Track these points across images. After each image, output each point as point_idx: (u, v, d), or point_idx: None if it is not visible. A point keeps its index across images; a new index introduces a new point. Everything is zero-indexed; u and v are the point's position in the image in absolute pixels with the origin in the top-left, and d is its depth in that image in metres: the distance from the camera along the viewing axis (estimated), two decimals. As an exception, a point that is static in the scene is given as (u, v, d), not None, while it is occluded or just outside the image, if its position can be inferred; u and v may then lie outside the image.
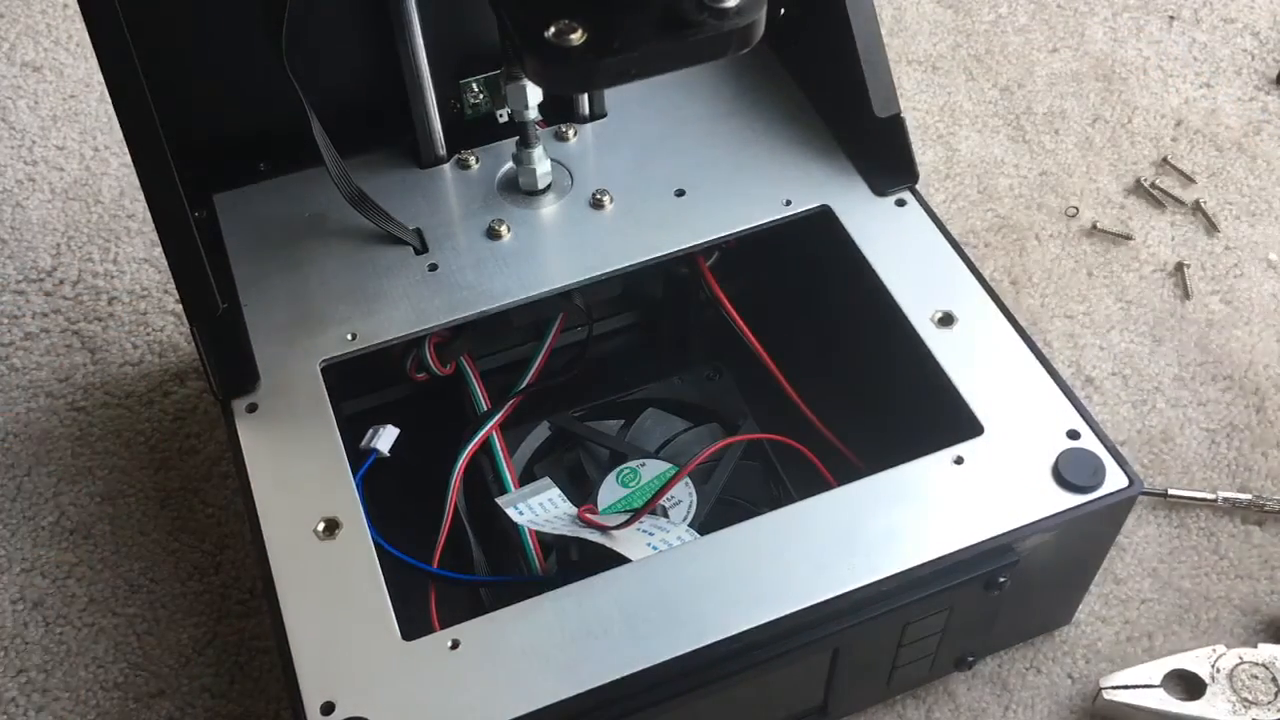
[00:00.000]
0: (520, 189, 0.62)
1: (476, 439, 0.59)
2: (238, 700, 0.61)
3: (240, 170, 0.63)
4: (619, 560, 0.51)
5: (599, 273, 0.59)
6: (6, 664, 0.62)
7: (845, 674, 0.53)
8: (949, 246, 0.60)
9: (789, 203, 0.61)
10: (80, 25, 0.66)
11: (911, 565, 0.49)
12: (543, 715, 0.45)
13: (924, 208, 0.61)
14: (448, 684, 0.46)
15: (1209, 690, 0.58)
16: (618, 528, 0.54)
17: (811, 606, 0.48)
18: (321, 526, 0.50)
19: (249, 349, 0.56)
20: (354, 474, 0.52)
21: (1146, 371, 0.73)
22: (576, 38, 0.44)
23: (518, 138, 0.61)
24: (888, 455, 0.53)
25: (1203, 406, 0.71)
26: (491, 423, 0.60)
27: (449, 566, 0.57)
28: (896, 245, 0.59)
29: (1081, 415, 0.53)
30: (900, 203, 0.61)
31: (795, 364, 0.61)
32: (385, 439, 0.57)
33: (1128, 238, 0.79)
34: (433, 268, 0.59)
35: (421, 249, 0.60)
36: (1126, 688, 0.58)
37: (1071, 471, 0.51)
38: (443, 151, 0.64)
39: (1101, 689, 0.58)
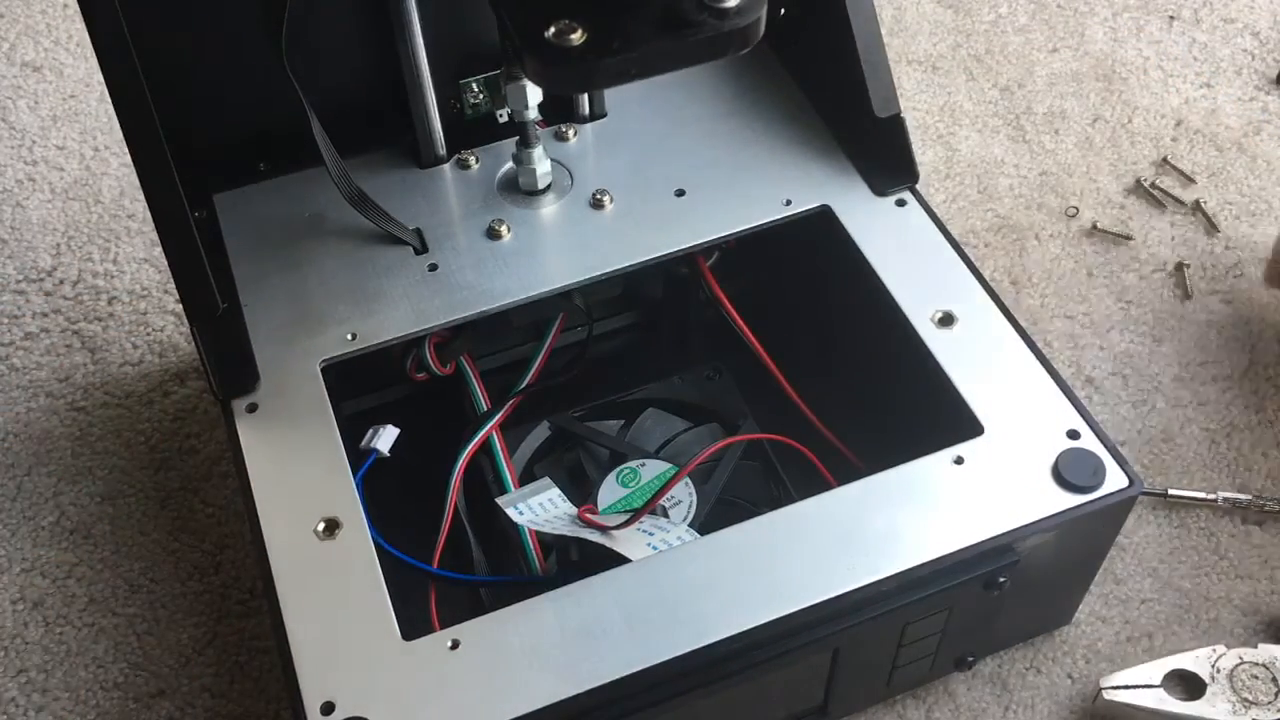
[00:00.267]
0: (520, 189, 0.62)
1: (476, 439, 0.59)
2: (238, 700, 0.61)
3: (240, 170, 0.63)
4: (619, 560, 0.51)
5: (599, 273, 0.59)
6: (7, 664, 0.62)
7: (845, 674, 0.53)
8: (949, 246, 0.60)
9: (789, 203, 0.61)
10: (80, 25, 0.66)
11: (911, 565, 0.49)
12: (543, 715, 0.45)
13: (924, 208, 0.61)
14: (448, 684, 0.46)
15: (1209, 690, 0.58)
16: (618, 528, 0.54)
17: (811, 606, 0.48)
18: (322, 526, 0.50)
19: (249, 349, 0.56)
20: (354, 474, 0.52)
21: (1146, 371, 0.73)
22: (576, 38, 0.44)
23: (518, 138, 0.61)
24: (888, 455, 0.53)
25: (1203, 406, 0.71)
26: (491, 423, 0.60)
27: (449, 566, 0.57)
28: (897, 245, 0.59)
29: (1081, 415, 0.53)
30: (900, 203, 0.61)
31: (795, 364, 0.61)
32: (385, 439, 0.57)
33: (1128, 238, 0.79)
34: (433, 268, 0.59)
35: (421, 249, 0.60)
36: (1126, 688, 0.58)
37: (1071, 471, 0.51)
38: (443, 151, 0.64)
39: (1101, 689, 0.58)
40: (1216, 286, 0.77)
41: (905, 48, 0.92)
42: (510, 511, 0.55)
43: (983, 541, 0.49)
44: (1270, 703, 0.57)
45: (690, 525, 0.57)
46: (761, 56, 0.68)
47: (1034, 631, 0.62)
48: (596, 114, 0.66)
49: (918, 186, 0.62)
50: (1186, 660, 0.59)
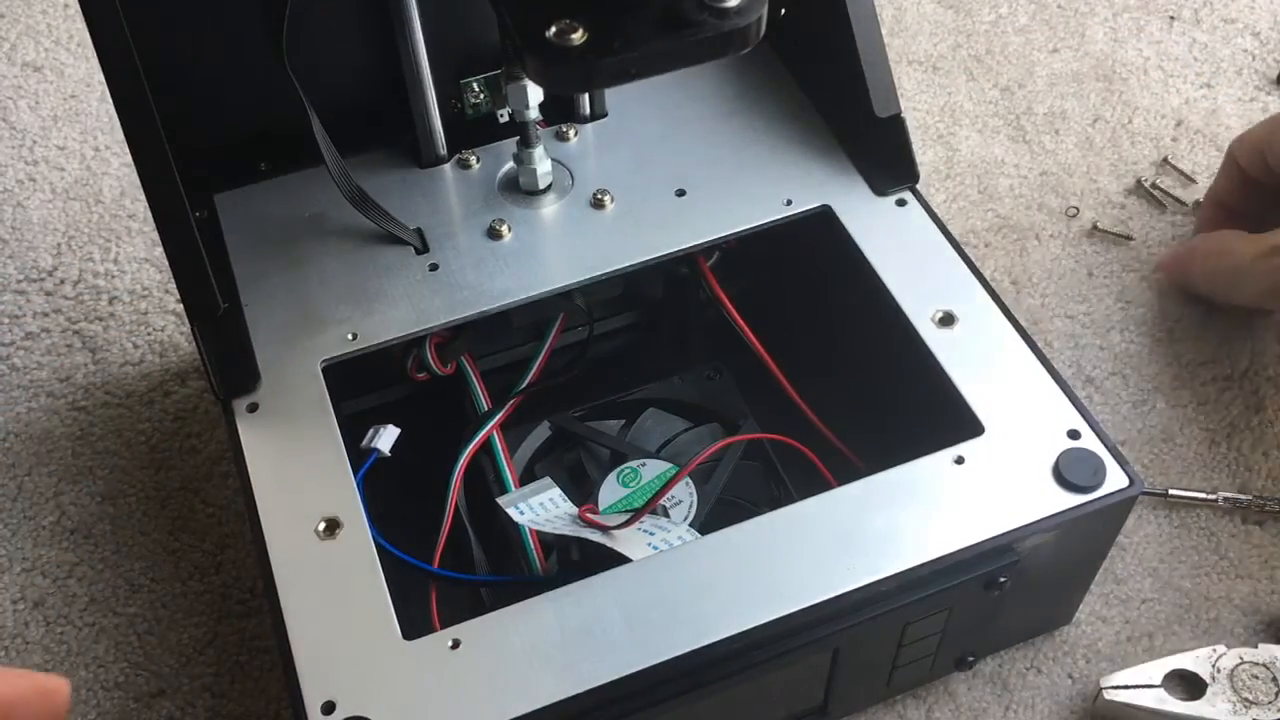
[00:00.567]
0: (521, 189, 0.62)
1: (477, 439, 0.59)
2: (238, 700, 0.61)
3: (241, 170, 0.63)
4: (619, 560, 0.51)
5: (599, 273, 0.59)
6: (7, 663, 0.62)
7: (845, 674, 0.53)
8: (949, 246, 0.60)
9: (789, 202, 0.61)
10: (81, 25, 0.66)
11: (912, 565, 0.49)
12: (543, 715, 0.45)
13: (924, 208, 0.61)
14: (448, 683, 0.46)
15: (1209, 690, 0.58)
16: (618, 527, 0.54)
17: (811, 606, 0.48)
18: (322, 526, 0.50)
19: (250, 348, 0.56)
20: (355, 474, 0.52)
21: (1147, 371, 0.73)
22: (577, 37, 0.44)
23: (518, 137, 0.61)
24: (888, 455, 0.53)
25: (1203, 406, 0.71)
26: (492, 422, 0.60)
27: (450, 566, 0.57)
28: (897, 245, 0.59)
29: (1082, 415, 0.53)
30: (901, 203, 0.61)
31: (795, 364, 0.61)
32: (386, 439, 0.57)
33: (1128, 238, 0.79)
34: (433, 267, 0.59)
35: (422, 249, 0.60)
36: (1127, 687, 0.58)
37: (1072, 471, 0.51)
38: (443, 151, 0.64)
39: (1102, 689, 0.58)
40: (1217, 286, 0.77)
41: (905, 48, 0.92)
42: (511, 511, 0.55)
43: (983, 541, 0.49)
44: (1271, 702, 0.57)
45: (691, 525, 0.57)
46: (762, 56, 0.68)
47: (1034, 631, 0.62)
48: (597, 114, 0.66)
49: (918, 186, 0.62)
50: (1187, 660, 0.59)
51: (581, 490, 0.61)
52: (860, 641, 0.51)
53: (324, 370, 0.56)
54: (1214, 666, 0.58)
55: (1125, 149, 0.84)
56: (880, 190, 0.62)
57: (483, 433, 0.59)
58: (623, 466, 0.60)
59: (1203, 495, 0.66)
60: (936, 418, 0.54)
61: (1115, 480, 0.51)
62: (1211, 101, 0.87)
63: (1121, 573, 0.64)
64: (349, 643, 0.47)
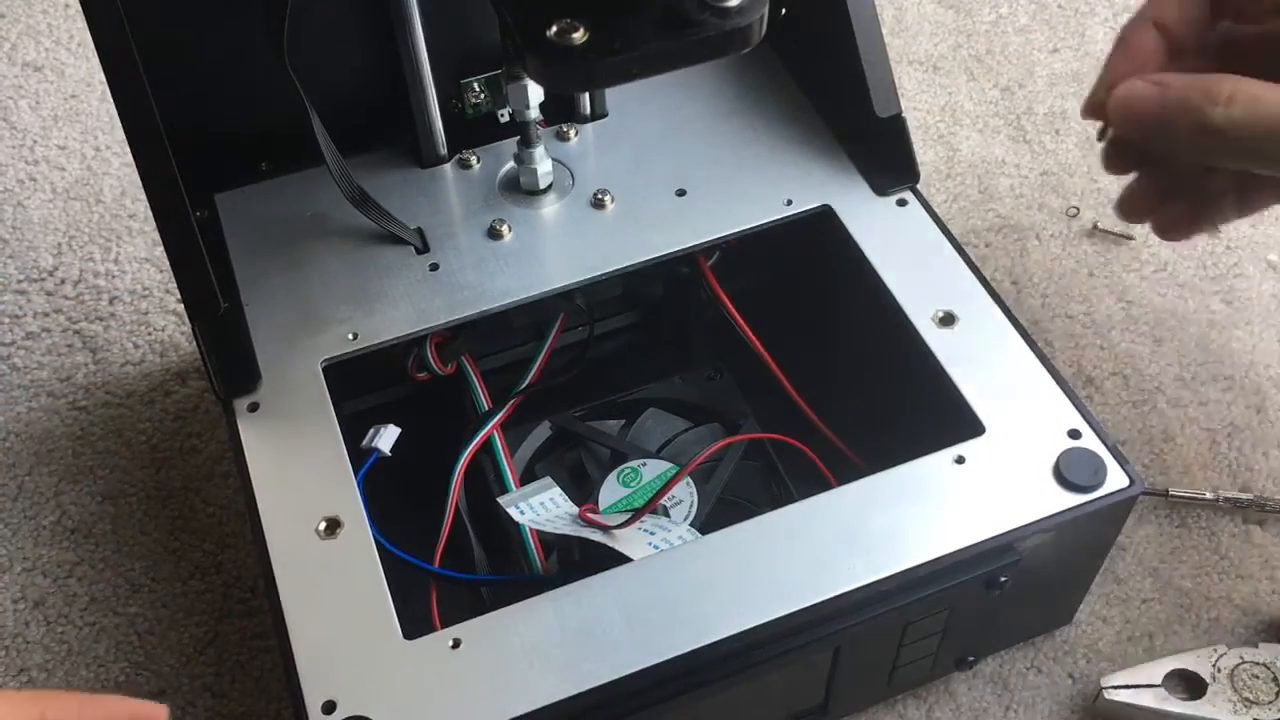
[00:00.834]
0: (521, 189, 0.62)
1: (478, 438, 0.59)
2: (239, 699, 0.61)
3: (241, 170, 0.63)
4: (620, 560, 0.51)
5: (600, 272, 0.59)
6: (8, 663, 0.62)
7: (846, 674, 0.53)
8: (950, 246, 0.60)
9: (790, 202, 0.61)
10: (82, 25, 0.66)
11: (912, 565, 0.49)
12: (543, 714, 0.45)
13: (925, 207, 0.61)
14: (449, 683, 0.46)
15: (1210, 690, 0.58)
16: (619, 527, 0.54)
17: (812, 606, 0.48)
18: (323, 526, 0.50)
19: (250, 348, 0.56)
20: (355, 473, 0.52)
21: (1147, 371, 0.73)
22: (578, 37, 0.44)
23: (519, 137, 0.61)
24: (889, 455, 0.53)
25: (1203, 406, 0.71)
26: (493, 422, 0.60)
27: (450, 566, 0.57)
28: (897, 245, 0.59)
29: (1082, 415, 0.53)
30: (901, 202, 0.61)
31: (796, 364, 0.61)
32: (386, 438, 0.57)
33: (1128, 238, 0.79)
34: (434, 267, 0.59)
35: (423, 249, 0.60)
36: (1127, 687, 0.58)
37: (1072, 471, 0.51)
38: (444, 151, 0.64)
39: (1102, 688, 0.58)
40: (1216, 286, 0.77)
41: (906, 48, 0.92)
42: (511, 511, 0.55)
43: (984, 541, 0.49)
44: (1271, 702, 0.57)
45: (691, 525, 0.57)
46: (762, 56, 0.68)
47: (1035, 631, 0.62)
48: (597, 114, 0.66)
49: (919, 186, 0.62)
50: (1187, 660, 0.59)
51: (582, 490, 0.61)
52: (861, 641, 0.51)
53: (324, 370, 0.56)
54: (1214, 666, 0.59)
55: (1126, 149, 0.84)
56: (881, 190, 0.62)
57: (483, 432, 0.59)
58: (623, 466, 0.60)
59: (1203, 495, 0.66)
60: (937, 417, 0.54)
61: (1115, 480, 0.51)
62: (1212, 101, 0.87)
63: (1122, 573, 0.64)
64: (349, 642, 0.47)
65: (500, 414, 0.60)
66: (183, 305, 0.56)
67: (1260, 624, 0.63)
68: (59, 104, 0.89)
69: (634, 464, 0.61)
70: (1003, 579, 0.50)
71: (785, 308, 0.65)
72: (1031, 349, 0.55)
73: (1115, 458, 0.52)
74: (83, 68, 0.91)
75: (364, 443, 0.57)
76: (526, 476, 0.61)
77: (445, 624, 0.48)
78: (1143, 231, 0.79)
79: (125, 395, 0.73)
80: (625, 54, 0.44)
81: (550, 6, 0.44)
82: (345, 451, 0.53)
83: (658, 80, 0.49)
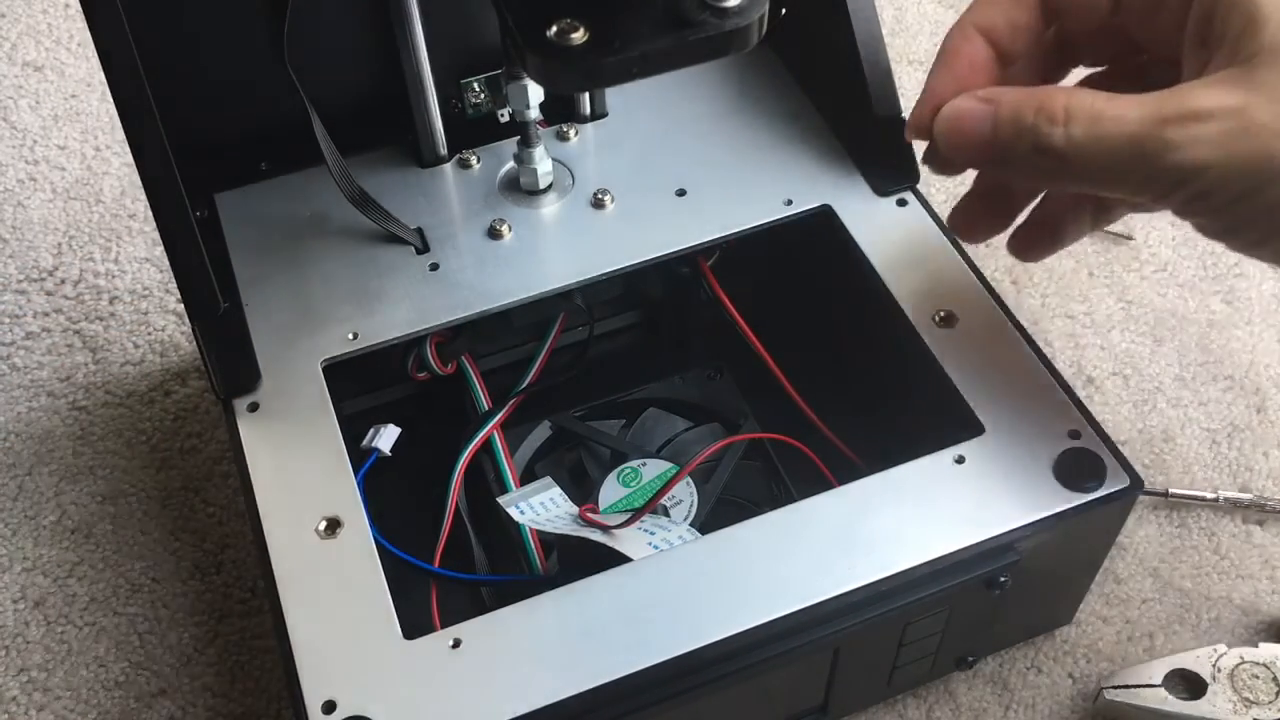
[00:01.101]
0: (521, 188, 0.62)
1: (478, 438, 0.59)
2: (239, 699, 0.61)
3: (241, 170, 0.63)
4: (620, 559, 0.51)
5: (600, 272, 0.59)
6: (8, 663, 0.62)
7: (846, 674, 0.53)
8: (950, 246, 0.60)
9: (790, 202, 0.61)
10: (82, 25, 0.66)
11: (912, 565, 0.49)
12: (543, 714, 0.45)
13: (925, 208, 0.61)
14: (449, 682, 0.46)
15: (1210, 690, 0.58)
16: (619, 527, 0.54)
17: (812, 606, 0.48)
18: (323, 525, 0.50)
19: (250, 348, 0.56)
20: (355, 473, 0.52)
21: (1147, 371, 0.73)
22: (578, 37, 0.44)
23: (519, 137, 0.61)
24: (889, 455, 0.53)
25: (1204, 406, 0.71)
26: (493, 422, 0.60)
27: (450, 566, 0.57)
28: (897, 245, 0.59)
29: (1083, 415, 0.53)
30: (901, 202, 0.61)
31: (796, 364, 0.61)
32: (386, 438, 0.57)
33: (1129, 238, 0.79)
34: (434, 267, 0.59)
35: (423, 248, 0.60)
36: (1127, 687, 0.58)
37: (1072, 471, 0.51)
38: (444, 151, 0.64)
39: (1102, 689, 0.58)
40: (1217, 287, 0.77)
41: (906, 48, 0.92)
42: (511, 511, 0.55)
43: (983, 541, 0.49)
44: (1271, 702, 0.57)
45: (691, 524, 0.57)
46: (762, 56, 0.68)
47: (1035, 631, 0.62)
48: (598, 114, 0.66)
49: (919, 186, 0.62)
50: (1187, 660, 0.59)
51: (582, 490, 0.61)
52: (861, 641, 0.51)
53: (325, 370, 0.56)
54: (1214, 666, 0.58)
55: (1126, 149, 0.84)
56: (881, 190, 0.62)
57: (483, 432, 0.59)
58: (623, 466, 0.60)
59: (1203, 495, 0.66)
60: (937, 417, 0.54)
61: (1116, 480, 0.51)
62: (1212, 101, 0.87)
63: (1121, 573, 0.64)
64: (349, 642, 0.47)
65: (500, 414, 0.60)
66: (183, 305, 0.56)
67: (1260, 624, 0.63)
68: (59, 104, 0.89)
69: (634, 464, 0.61)
70: (1003, 579, 0.50)
71: (785, 308, 0.65)
72: (1031, 349, 0.55)
73: (1115, 457, 0.52)
74: (83, 68, 0.91)
75: (364, 443, 0.57)
76: (526, 476, 0.61)
77: (445, 624, 0.48)
78: (1143, 231, 0.79)
79: (125, 395, 0.73)
80: (625, 54, 0.44)
81: (550, 6, 0.44)
82: (345, 451, 0.53)
83: (658, 80, 0.49)
